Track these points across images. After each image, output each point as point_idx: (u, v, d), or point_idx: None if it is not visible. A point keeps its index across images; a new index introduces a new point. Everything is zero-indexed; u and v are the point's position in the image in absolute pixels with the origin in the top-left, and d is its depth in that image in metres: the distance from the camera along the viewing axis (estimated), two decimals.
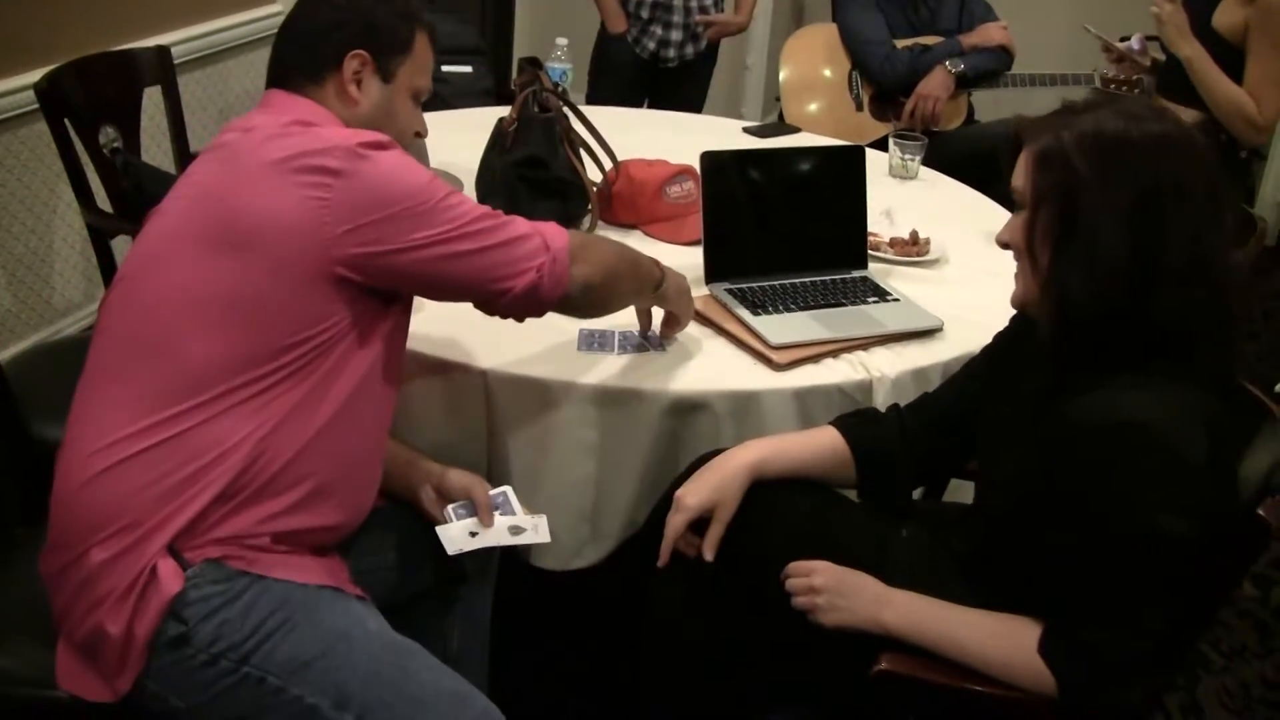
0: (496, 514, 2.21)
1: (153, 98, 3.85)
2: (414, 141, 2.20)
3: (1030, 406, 1.91)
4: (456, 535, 2.15)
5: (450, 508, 2.21)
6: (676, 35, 4.94)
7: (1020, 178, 1.87)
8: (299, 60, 2.05)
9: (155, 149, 3.95)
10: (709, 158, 2.67)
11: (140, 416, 1.85)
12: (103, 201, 3.51)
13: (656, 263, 2.31)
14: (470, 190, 3.06)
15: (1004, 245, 1.94)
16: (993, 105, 4.97)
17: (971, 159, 4.15)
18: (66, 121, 3.37)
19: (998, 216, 3.40)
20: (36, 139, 3.80)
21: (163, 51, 3.84)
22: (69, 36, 3.88)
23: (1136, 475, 1.73)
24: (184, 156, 3.86)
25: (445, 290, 2.01)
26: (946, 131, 4.60)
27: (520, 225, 2.01)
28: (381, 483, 2.17)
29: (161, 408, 1.85)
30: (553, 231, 2.04)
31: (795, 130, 4.05)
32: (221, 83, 4.62)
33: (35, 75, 3.42)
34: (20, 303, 4.02)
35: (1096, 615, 1.78)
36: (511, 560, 2.42)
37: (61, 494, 1.91)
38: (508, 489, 2.25)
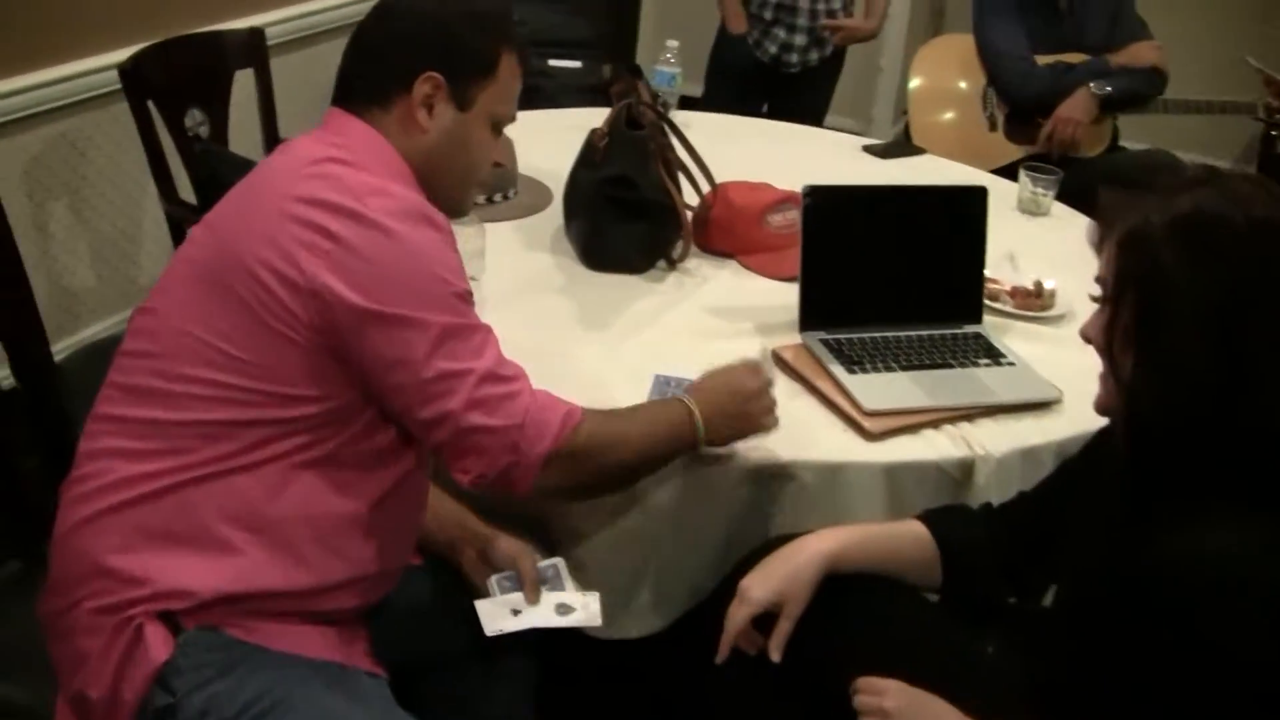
0: (544, 589, 2.00)
1: (244, 81, 3.69)
2: (492, 170, 1.97)
3: (1108, 533, 1.67)
4: (497, 612, 1.96)
5: (494, 579, 2.01)
6: (800, 39, 4.66)
7: (1103, 265, 1.61)
8: (363, 78, 1.85)
9: (243, 135, 3.79)
10: (813, 193, 2.42)
11: (140, 459, 1.70)
12: (185, 187, 3.38)
13: (690, 418, 1.98)
14: (558, 203, 2.86)
15: (1087, 340, 1.69)
16: (1140, 131, 4.63)
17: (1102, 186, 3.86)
18: (150, 104, 3.23)
19: None
20: (129, 118, 3.70)
21: (255, 33, 3.70)
22: (162, 16, 3.76)
23: (1238, 633, 1.46)
24: (274, 143, 3.71)
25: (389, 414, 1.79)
26: (1086, 159, 4.27)
27: (513, 409, 1.75)
28: (422, 539, 2.00)
29: (162, 455, 1.70)
30: (541, 426, 1.78)
31: (919, 152, 3.78)
32: (317, 66, 4.46)
33: (126, 54, 3.29)
34: (104, 282, 3.93)
35: None
36: None
37: (59, 532, 1.76)
38: (559, 561, 2.05)
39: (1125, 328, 1.55)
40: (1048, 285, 2.76)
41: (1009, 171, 3.64)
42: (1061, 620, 1.79)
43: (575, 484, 1.88)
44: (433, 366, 1.69)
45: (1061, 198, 3.38)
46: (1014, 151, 4.29)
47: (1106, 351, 1.61)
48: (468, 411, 1.72)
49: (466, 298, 1.75)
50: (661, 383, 2.22)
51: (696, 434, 1.97)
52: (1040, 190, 3.32)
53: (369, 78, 1.84)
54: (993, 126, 4.40)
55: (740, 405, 2.03)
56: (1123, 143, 4.49)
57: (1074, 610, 1.75)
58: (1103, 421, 2.24)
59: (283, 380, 1.68)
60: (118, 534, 1.69)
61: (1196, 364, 1.49)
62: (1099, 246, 1.63)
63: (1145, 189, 1.59)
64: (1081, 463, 1.93)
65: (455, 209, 1.94)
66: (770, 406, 2.07)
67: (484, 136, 1.90)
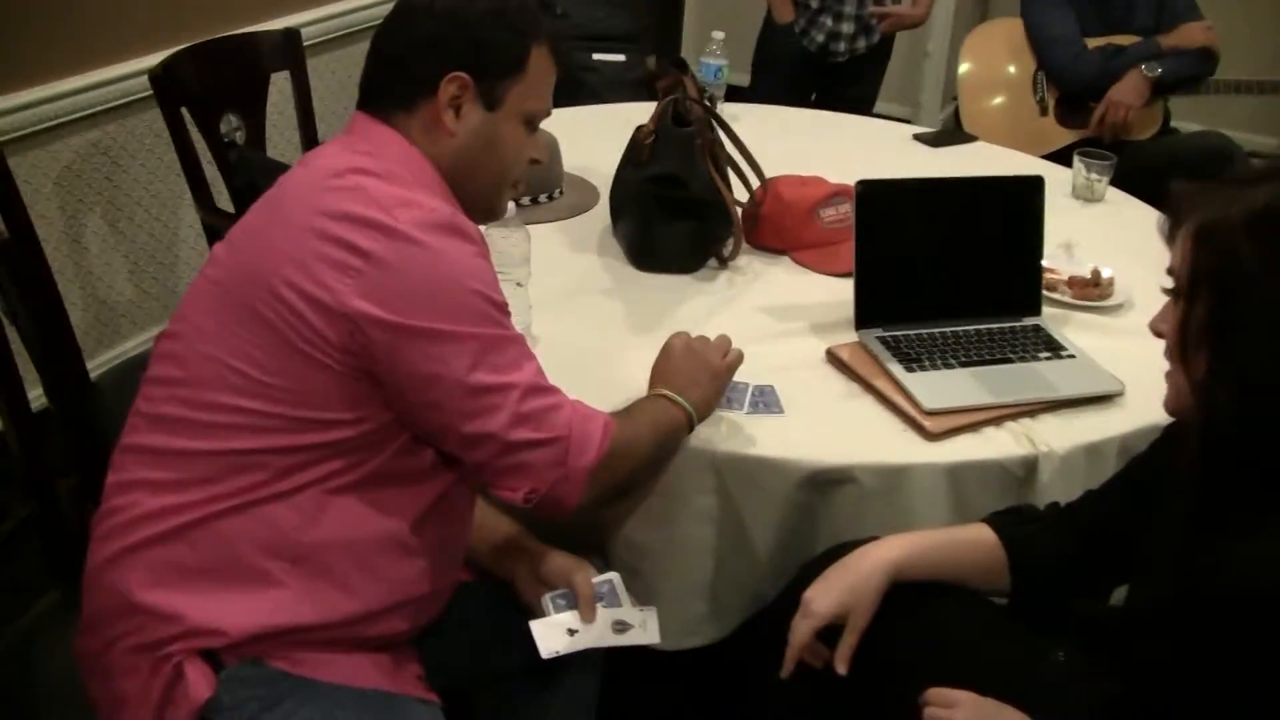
0: (600, 606, 1.94)
1: (281, 84, 3.64)
2: (531, 168, 1.91)
3: (1181, 537, 1.60)
4: (552, 633, 1.89)
5: (548, 597, 1.94)
6: (847, 28, 4.57)
7: (1177, 257, 1.54)
8: (387, 81, 1.78)
9: (281, 139, 3.75)
10: (865, 187, 2.35)
11: (169, 491, 1.65)
12: (221, 194, 3.33)
13: (672, 404, 1.95)
14: (604, 202, 2.80)
15: (1158, 335, 1.62)
16: (1191, 112, 4.54)
17: (1167, 174, 3.76)
18: (184, 111, 3.19)
19: None
20: (164, 125, 3.65)
21: (291, 34, 3.63)
22: (194, 19, 3.73)
23: None
24: (312, 146, 3.66)
25: (423, 437, 1.73)
26: (1139, 142, 4.18)
27: (558, 421, 1.71)
28: (472, 556, 1.95)
29: (191, 486, 1.64)
30: (586, 438, 1.73)
31: (971, 139, 3.69)
32: (356, 67, 4.33)
33: (157, 58, 3.25)
34: (143, 293, 3.89)
35: None
36: None
37: (90, 567, 1.71)
38: (614, 576, 1.99)
39: (1199, 325, 1.49)
40: (1105, 274, 2.68)
41: (1061, 157, 3.56)
42: (1134, 627, 1.72)
43: (609, 490, 1.84)
44: (473, 381, 1.63)
45: (1116, 183, 3.29)
46: (1066, 136, 4.21)
47: (1179, 350, 1.54)
48: (514, 427, 1.66)
49: (503, 309, 1.69)
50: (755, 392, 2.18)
51: (688, 413, 1.94)
52: (1095, 176, 3.24)
53: (392, 82, 1.78)
54: (1043, 111, 4.32)
55: (701, 363, 2.00)
56: (1174, 124, 4.40)
57: (1147, 617, 1.68)
58: (1167, 417, 2.18)
59: (315, 405, 1.62)
60: (149, 570, 1.64)
61: (1273, 365, 1.42)
62: (1170, 238, 1.56)
63: (1219, 180, 1.52)
64: (1151, 461, 1.85)
65: (489, 212, 1.88)
66: (724, 346, 2.05)
67: (516, 134, 1.83)
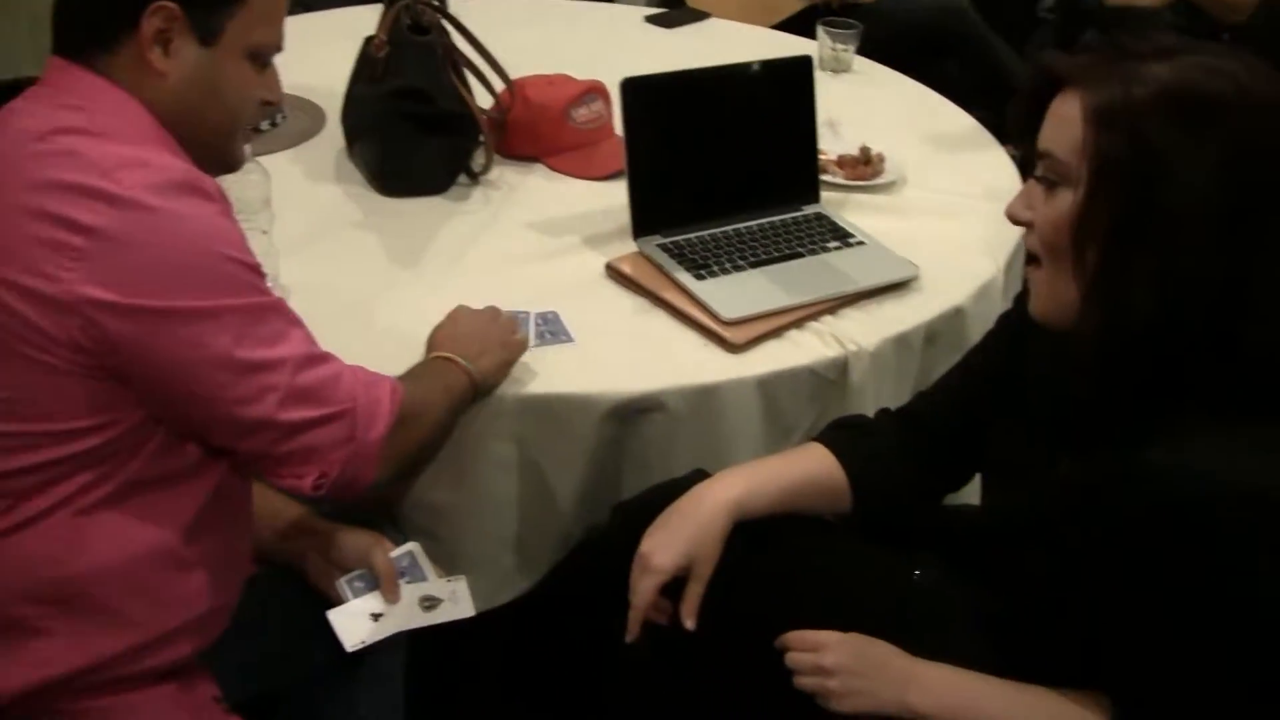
0: (403, 583, 1.75)
1: None
2: (258, 111, 1.64)
3: (1051, 444, 1.50)
4: (355, 623, 1.70)
5: (344, 581, 1.74)
6: None
7: (1060, 141, 1.39)
8: (78, 13, 1.48)
9: None
10: (630, 86, 2.16)
11: None
12: None
13: (456, 365, 1.78)
14: (334, 124, 2.55)
15: (1016, 222, 1.48)
16: None
17: (903, 37, 3.71)
18: None
19: (946, 114, 2.99)
20: None
21: None
22: None
23: (1242, 552, 1.30)
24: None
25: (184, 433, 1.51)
26: (866, 5, 4.08)
27: (338, 392, 1.51)
28: (257, 550, 1.73)
29: None
30: (373, 406, 1.55)
31: (704, 16, 3.53)
32: None
33: None
34: None
35: (1184, 705, 1.38)
36: None
37: None
38: (414, 547, 1.79)
39: (1103, 220, 1.35)
40: (874, 150, 2.58)
41: (795, 26, 3.48)
42: (1004, 539, 1.61)
43: (405, 462, 1.67)
44: (237, 362, 1.42)
45: (861, 51, 3.20)
46: (794, 4, 4.08)
47: (1072, 245, 1.38)
48: (291, 407, 1.46)
49: (258, 273, 1.46)
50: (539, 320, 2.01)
51: (473, 379, 1.78)
52: (841, 46, 3.14)
53: (84, 14, 1.47)
54: None
55: (488, 332, 1.86)
56: None
57: (1019, 528, 1.57)
58: (965, 298, 2.09)
59: (48, 415, 1.39)
60: None
61: (1195, 261, 1.30)
62: (1028, 118, 1.43)
63: (1095, 55, 1.38)
64: (992, 359, 1.74)
65: (223, 164, 1.60)
66: (511, 326, 1.90)
67: (241, 73, 1.53)
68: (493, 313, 1.90)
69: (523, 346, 1.89)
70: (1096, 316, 1.36)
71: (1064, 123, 1.38)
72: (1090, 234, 1.36)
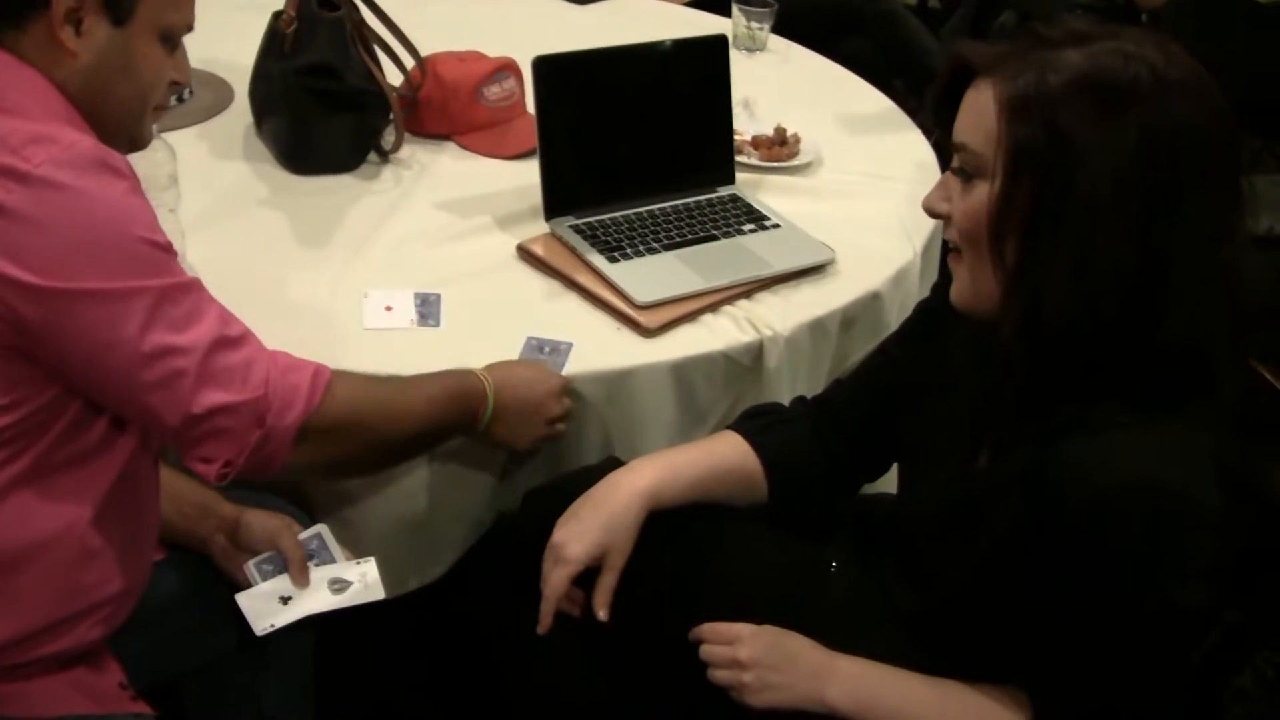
0: (312, 565, 1.73)
1: None
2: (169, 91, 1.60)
3: (980, 433, 1.49)
4: (264, 606, 1.68)
5: (252, 564, 1.71)
6: None
7: (975, 133, 1.37)
8: None
9: None
10: (543, 63, 2.13)
11: None
12: None
13: (483, 396, 1.76)
14: (242, 99, 2.49)
15: (933, 215, 1.47)
16: None
17: (814, 15, 3.70)
18: None
19: (862, 94, 2.98)
20: None
21: None
22: None
23: (1150, 545, 1.30)
24: None
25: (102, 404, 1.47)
26: None
27: (252, 377, 1.47)
28: (164, 534, 1.69)
29: None
30: (289, 393, 1.50)
31: None
32: None
33: None
34: None
35: (1099, 699, 1.39)
36: None
37: None
38: (322, 529, 1.77)
39: (1019, 212, 1.33)
40: (790, 131, 2.56)
41: (709, 4, 3.45)
42: (921, 529, 1.61)
43: (337, 459, 1.63)
44: (148, 344, 1.37)
45: (775, 29, 3.18)
46: None
47: (989, 238, 1.36)
48: (201, 390, 1.41)
49: (169, 252, 1.42)
50: (533, 347, 1.93)
51: (483, 417, 1.75)
52: (756, 24, 3.11)
53: None
54: None
55: (538, 403, 1.82)
56: None
57: (937, 519, 1.56)
58: (882, 283, 2.08)
59: None
60: None
61: (1112, 251, 1.28)
62: (944, 109, 1.42)
63: (1009, 44, 1.37)
64: (909, 348, 1.73)
65: (131, 144, 1.56)
66: (560, 417, 1.86)
67: (152, 53, 1.50)
68: (559, 396, 1.85)
69: (539, 439, 1.86)
70: (1017, 307, 1.35)
71: (978, 114, 1.36)
72: (1008, 226, 1.34)
